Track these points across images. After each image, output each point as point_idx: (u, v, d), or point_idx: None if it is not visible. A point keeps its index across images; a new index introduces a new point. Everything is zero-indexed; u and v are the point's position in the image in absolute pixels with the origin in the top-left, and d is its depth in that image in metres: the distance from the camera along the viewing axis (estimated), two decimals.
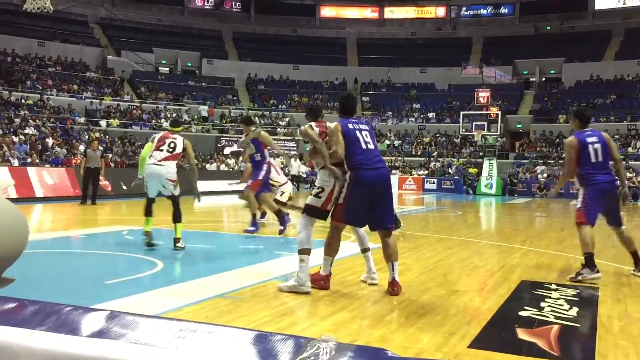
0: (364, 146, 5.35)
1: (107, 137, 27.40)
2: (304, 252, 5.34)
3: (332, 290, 5.37)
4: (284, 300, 4.99)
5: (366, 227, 5.71)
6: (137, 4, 42.87)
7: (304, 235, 5.41)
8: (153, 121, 31.53)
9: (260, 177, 9.47)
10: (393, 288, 5.30)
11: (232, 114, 35.67)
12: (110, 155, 23.46)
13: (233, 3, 46.25)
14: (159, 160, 7.58)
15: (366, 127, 5.54)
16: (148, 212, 7.77)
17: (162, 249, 7.76)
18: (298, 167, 25.97)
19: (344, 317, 4.49)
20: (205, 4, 45.76)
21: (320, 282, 5.42)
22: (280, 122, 35.67)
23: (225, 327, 1.69)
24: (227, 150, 30.70)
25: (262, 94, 39.67)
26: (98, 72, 35.16)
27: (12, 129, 22.85)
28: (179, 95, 36.19)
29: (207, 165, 26.99)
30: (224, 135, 33.42)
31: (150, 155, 7.64)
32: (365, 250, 5.85)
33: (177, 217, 7.71)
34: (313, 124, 5.68)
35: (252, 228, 9.82)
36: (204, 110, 34.53)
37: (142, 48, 39.61)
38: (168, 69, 41.65)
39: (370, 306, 4.89)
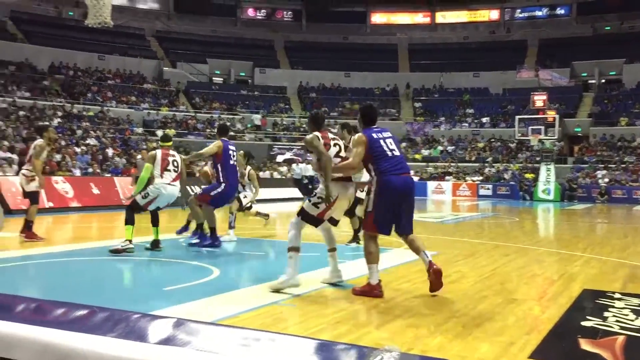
0: (389, 154, 5.53)
1: None
2: (294, 249, 5.57)
3: (387, 298, 5.35)
4: (338, 308, 5.00)
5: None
6: (191, 17, 43.92)
7: (293, 234, 5.65)
8: (207, 130, 32.16)
9: (212, 194, 8.46)
10: (432, 267, 5.36)
11: (284, 122, 36.02)
12: None
13: (284, 12, 46.81)
14: (172, 181, 8.15)
15: (389, 135, 5.71)
16: (132, 220, 8.08)
17: (217, 256, 7.90)
18: None
19: (399, 325, 4.46)
20: (258, 14, 46.49)
21: (374, 291, 5.41)
22: (332, 130, 35.76)
23: (288, 336, 1.71)
24: (280, 158, 31.02)
25: (313, 101, 39.90)
26: (155, 84, 36.20)
27: (74, 140, 23.74)
28: (232, 104, 36.85)
29: (260, 173, 27.30)
30: (277, 143, 33.76)
31: (162, 175, 8.07)
32: (332, 250, 5.98)
33: (157, 222, 8.34)
34: (318, 134, 5.72)
35: (196, 240, 8.83)
36: (256, 119, 34.99)
37: (196, 59, 40.53)
38: (222, 79, 42.44)
39: (426, 314, 4.84)
